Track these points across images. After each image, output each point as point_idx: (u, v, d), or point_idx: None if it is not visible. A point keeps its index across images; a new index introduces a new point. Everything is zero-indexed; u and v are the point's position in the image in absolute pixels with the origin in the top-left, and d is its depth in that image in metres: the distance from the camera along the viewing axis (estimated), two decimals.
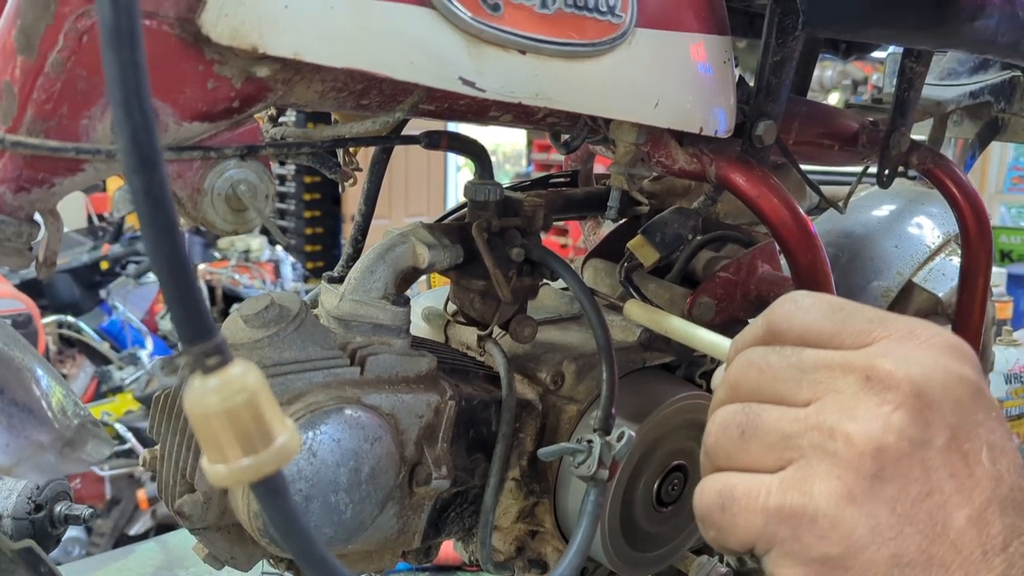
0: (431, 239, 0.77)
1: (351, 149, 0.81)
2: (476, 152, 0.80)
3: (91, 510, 0.95)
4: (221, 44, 0.56)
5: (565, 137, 0.84)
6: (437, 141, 0.76)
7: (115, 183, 0.72)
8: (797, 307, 0.45)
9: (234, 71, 0.60)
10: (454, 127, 0.90)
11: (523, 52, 0.64)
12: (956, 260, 1.25)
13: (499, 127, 0.80)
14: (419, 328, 0.96)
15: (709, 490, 0.45)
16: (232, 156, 0.62)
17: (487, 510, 0.78)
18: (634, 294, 0.89)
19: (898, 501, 0.39)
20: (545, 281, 1.01)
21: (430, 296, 1.00)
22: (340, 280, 0.78)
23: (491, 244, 0.78)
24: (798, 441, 0.41)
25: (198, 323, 0.42)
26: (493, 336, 0.84)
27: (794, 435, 0.42)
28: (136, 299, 4.95)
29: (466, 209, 0.84)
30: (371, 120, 0.66)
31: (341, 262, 0.90)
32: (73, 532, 3.10)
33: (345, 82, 0.66)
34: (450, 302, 0.88)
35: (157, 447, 0.72)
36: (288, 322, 0.70)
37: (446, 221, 0.89)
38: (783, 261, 0.91)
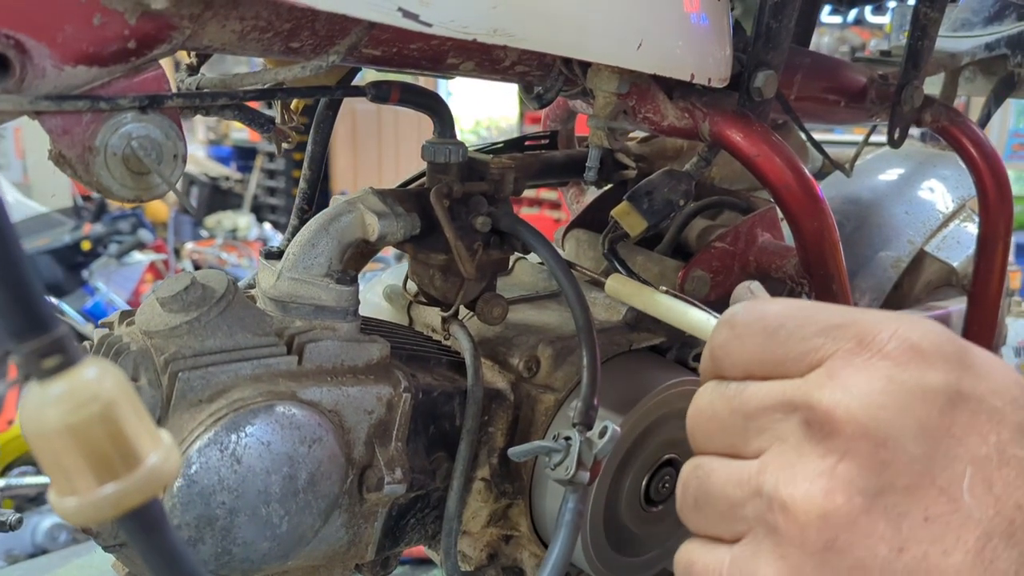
0: (382, 207, 0.67)
1: (292, 105, 0.71)
2: (433, 106, 0.69)
3: (18, 516, 0.87)
4: None
5: (538, 89, 0.73)
6: (386, 93, 0.65)
7: None
8: (733, 334, 0.38)
9: (126, 4, 0.50)
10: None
11: None
12: (971, 227, 1.17)
13: (462, 77, 0.69)
14: (380, 309, 0.86)
15: (678, 559, 0.40)
16: (129, 108, 0.52)
17: (451, 516, 0.68)
18: (619, 268, 0.79)
19: (863, 570, 0.32)
20: (521, 256, 0.91)
21: (393, 273, 0.89)
22: (279, 255, 0.68)
23: (453, 212, 0.68)
24: (743, 511, 0.36)
25: (28, 311, 0.32)
26: (459, 317, 0.74)
27: (739, 503, 0.36)
28: (120, 279, 4.83)
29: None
30: (300, 65, 0.55)
31: (285, 235, 0.79)
32: (59, 518, 3.02)
33: (269, 20, 0.56)
34: (409, 280, 0.77)
35: None
36: (212, 305, 0.60)
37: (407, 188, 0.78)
38: (786, 229, 0.81)
